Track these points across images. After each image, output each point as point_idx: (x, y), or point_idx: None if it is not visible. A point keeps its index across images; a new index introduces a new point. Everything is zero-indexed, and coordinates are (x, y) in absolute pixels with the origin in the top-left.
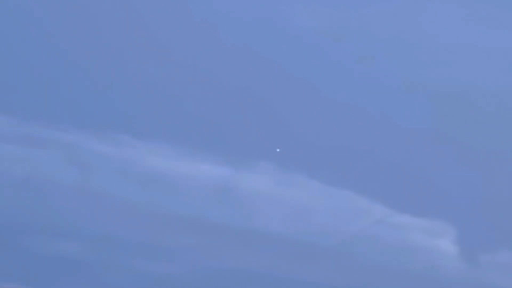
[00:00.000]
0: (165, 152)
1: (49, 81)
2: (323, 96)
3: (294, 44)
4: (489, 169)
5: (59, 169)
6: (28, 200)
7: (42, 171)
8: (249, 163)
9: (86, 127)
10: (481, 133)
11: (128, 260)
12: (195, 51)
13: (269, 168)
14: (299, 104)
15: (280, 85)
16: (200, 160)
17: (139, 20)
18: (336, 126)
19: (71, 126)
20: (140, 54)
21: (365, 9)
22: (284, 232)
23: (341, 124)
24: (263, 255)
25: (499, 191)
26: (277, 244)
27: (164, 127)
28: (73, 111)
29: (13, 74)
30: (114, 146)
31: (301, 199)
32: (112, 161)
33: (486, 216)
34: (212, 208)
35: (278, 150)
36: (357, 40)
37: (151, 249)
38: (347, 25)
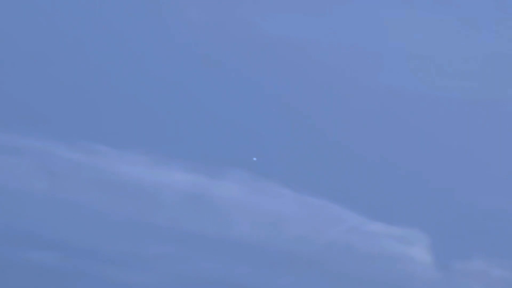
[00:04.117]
0: (138, 161)
1: (20, 89)
2: (296, 106)
3: (267, 53)
4: (460, 177)
5: (31, 177)
6: None
7: (13, 180)
8: (223, 171)
9: (58, 135)
10: (452, 143)
11: (101, 269)
12: (166, 62)
13: (243, 177)
14: (272, 113)
15: (254, 95)
16: (173, 168)
17: (112, 32)
18: (310, 136)
19: (43, 134)
20: (112, 64)
21: (337, 18)
22: (258, 241)
23: (314, 134)
24: (237, 264)
25: (471, 200)
26: (251, 253)
27: (137, 135)
28: (45, 120)
29: None
30: (86, 155)
31: (275, 208)
32: (84, 169)
33: (459, 224)
34: (186, 216)
35: (254, 159)
36: (329, 49)
37: (125, 258)
38: (318, 34)
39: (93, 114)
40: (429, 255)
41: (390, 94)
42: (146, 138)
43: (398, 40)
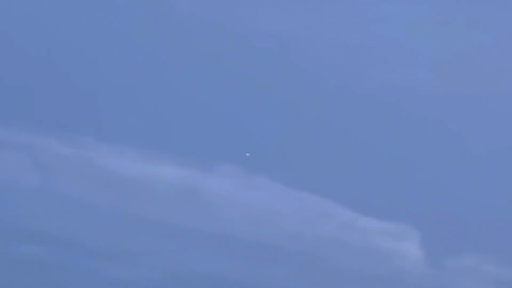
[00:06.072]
0: (128, 155)
1: (10, 82)
2: (289, 101)
3: (259, 49)
4: (453, 173)
5: (21, 171)
6: None
7: (3, 174)
8: (214, 166)
9: (49, 129)
10: (445, 139)
11: (90, 264)
12: (158, 57)
13: (235, 171)
14: (264, 108)
15: (246, 90)
16: (165, 163)
17: (105, 27)
18: (302, 131)
19: (33, 128)
20: (104, 58)
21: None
22: (250, 236)
23: (307, 129)
24: (229, 259)
25: (463, 195)
26: (242, 248)
27: (129, 129)
28: (35, 113)
29: None
30: (77, 149)
31: (267, 203)
32: (75, 163)
33: (450, 220)
34: (177, 211)
35: (248, 154)
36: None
37: (114, 253)
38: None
39: (85, 108)
40: (420, 251)
41: (382, 90)
42: (138, 132)
43: (391, 36)
